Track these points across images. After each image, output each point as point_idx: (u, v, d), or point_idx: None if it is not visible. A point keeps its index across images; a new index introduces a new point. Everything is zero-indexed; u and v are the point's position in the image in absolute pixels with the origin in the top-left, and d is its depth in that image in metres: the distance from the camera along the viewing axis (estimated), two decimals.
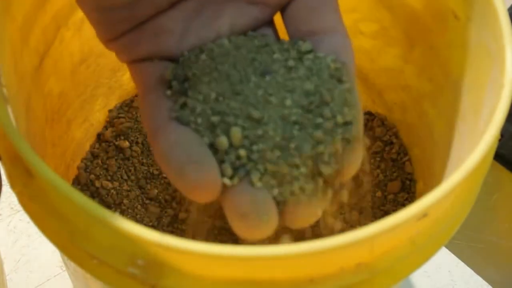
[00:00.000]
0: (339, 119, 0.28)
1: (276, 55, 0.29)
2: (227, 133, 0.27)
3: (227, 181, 0.27)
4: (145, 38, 0.29)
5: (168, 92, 0.29)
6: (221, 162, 0.27)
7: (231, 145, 0.27)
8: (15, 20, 0.35)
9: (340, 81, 0.28)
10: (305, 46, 0.29)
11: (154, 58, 0.29)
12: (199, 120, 0.28)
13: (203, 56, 0.29)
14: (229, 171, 0.27)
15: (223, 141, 0.27)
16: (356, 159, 0.28)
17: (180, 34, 0.29)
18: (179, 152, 0.26)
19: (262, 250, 0.24)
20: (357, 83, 0.50)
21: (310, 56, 0.29)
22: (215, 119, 0.27)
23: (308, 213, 0.27)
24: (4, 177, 0.32)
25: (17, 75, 0.35)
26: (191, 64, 0.29)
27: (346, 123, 0.28)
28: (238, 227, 0.26)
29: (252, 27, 0.30)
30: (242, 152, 0.27)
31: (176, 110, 0.28)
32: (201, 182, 0.26)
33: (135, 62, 0.30)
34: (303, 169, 0.27)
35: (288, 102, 0.27)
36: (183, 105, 0.28)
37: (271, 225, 0.26)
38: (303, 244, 0.25)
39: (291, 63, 0.29)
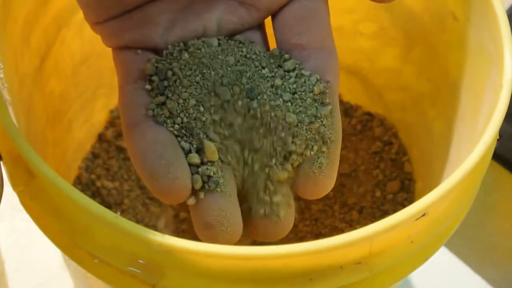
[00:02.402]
0: (319, 141, 0.28)
1: (264, 71, 0.29)
2: (201, 145, 0.27)
3: (196, 192, 0.26)
4: (131, 26, 0.29)
5: (148, 87, 0.28)
6: (192, 172, 0.27)
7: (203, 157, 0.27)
8: (16, 21, 0.36)
9: (323, 103, 0.28)
10: (288, 65, 0.29)
11: (139, 47, 0.29)
12: (176, 125, 0.27)
13: (186, 55, 0.29)
14: (199, 183, 0.26)
15: (194, 157, 0.27)
16: (330, 181, 0.28)
17: (166, 25, 0.29)
18: (152, 153, 0.26)
19: (262, 249, 0.24)
20: (357, 84, 0.50)
21: (294, 73, 0.29)
22: (192, 128, 0.27)
23: (278, 228, 0.27)
24: (5, 177, 0.32)
25: (18, 76, 0.36)
26: (173, 61, 0.28)
27: (325, 143, 0.28)
28: (201, 234, 0.26)
29: (240, 29, 0.30)
30: (214, 169, 0.27)
31: (153, 109, 0.28)
32: (172, 186, 0.26)
33: (120, 49, 0.29)
34: (278, 195, 0.27)
35: (267, 144, 0.28)
36: (161, 105, 0.28)
37: (234, 237, 0.26)
38: (303, 244, 0.25)
39: (278, 81, 0.28)
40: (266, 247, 0.24)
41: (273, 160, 0.27)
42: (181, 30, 0.29)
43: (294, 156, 0.27)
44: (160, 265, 0.27)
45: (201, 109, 0.27)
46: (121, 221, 0.25)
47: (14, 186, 0.31)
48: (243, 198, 0.28)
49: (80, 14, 0.43)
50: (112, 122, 0.49)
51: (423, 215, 0.27)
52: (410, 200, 0.46)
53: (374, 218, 0.46)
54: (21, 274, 0.48)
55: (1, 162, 0.32)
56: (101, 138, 0.49)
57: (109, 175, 0.47)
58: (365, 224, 0.33)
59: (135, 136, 0.27)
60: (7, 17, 0.34)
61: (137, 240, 0.25)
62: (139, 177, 0.27)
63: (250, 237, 0.28)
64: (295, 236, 0.46)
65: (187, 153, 0.27)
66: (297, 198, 0.28)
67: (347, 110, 0.51)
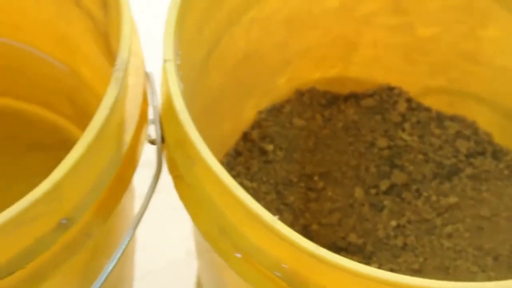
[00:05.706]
0: None
1: None
2: None
3: None
4: None
5: None
6: None
7: None
8: (195, 11, 0.37)
9: None
10: None
11: None
12: None
13: None
14: None
15: None
16: None
17: None
18: None
19: (424, 282, 0.23)
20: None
21: None
22: None
23: None
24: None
25: (189, 64, 0.37)
26: None
27: None
28: None
29: None
30: None
31: None
32: None
33: None
34: None
35: None
36: None
37: None
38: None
39: None
40: (431, 281, 0.23)
41: None
42: None
43: None
44: (306, 276, 0.26)
45: None
46: (279, 225, 0.25)
47: (171, 170, 0.32)
48: None
49: (250, 14, 0.44)
50: (258, 123, 0.49)
51: None
52: None
53: (509, 268, 0.44)
54: (148, 255, 0.49)
55: (162, 145, 0.33)
56: (246, 136, 0.49)
57: (249, 174, 0.47)
58: (500, 272, 0.31)
59: None
60: (189, 8, 0.35)
61: (290, 246, 0.25)
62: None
63: None
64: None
65: None
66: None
67: (496, 152, 0.49)
